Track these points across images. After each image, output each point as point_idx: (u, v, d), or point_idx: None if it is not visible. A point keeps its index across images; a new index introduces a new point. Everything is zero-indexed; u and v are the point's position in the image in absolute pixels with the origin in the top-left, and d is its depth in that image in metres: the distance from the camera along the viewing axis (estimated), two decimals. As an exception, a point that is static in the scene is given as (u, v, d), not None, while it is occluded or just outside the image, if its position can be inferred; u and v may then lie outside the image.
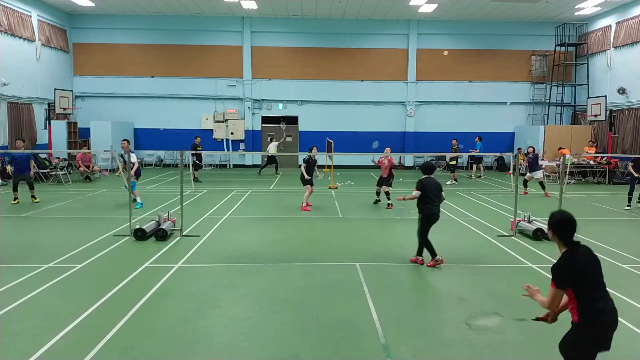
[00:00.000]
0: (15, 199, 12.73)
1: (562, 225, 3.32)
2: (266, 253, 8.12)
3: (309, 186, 12.24)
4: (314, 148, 12.59)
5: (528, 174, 15.25)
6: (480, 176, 20.52)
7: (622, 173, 18.57)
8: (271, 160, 20.67)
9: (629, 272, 7.31)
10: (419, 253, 7.53)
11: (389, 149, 12.77)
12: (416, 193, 7.31)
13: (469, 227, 10.40)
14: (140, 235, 8.80)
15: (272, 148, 20.14)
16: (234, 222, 10.72)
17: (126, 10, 22.15)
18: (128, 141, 13.11)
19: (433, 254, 7.36)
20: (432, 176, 7.48)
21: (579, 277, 3.22)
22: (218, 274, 7.02)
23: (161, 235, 8.85)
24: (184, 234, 9.26)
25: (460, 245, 8.89)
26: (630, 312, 5.69)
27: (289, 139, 24.30)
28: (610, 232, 10.23)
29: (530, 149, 15.87)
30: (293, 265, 7.46)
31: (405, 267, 7.45)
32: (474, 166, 20.67)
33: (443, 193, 7.48)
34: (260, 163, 22.68)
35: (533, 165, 15.30)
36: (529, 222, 9.65)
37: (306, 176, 12.12)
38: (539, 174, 15.37)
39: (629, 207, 12.73)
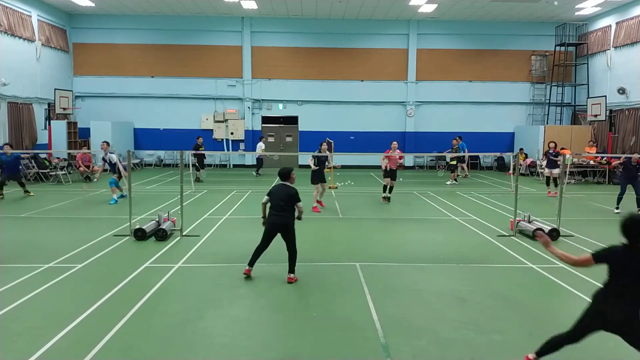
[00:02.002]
0: (1, 195, 13.33)
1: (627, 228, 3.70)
2: (266, 253, 8.10)
3: (318, 185, 12.12)
4: (324, 143, 12.48)
5: (547, 170, 15.29)
6: (466, 175, 20.45)
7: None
8: (259, 160, 20.77)
9: (629, 272, 7.30)
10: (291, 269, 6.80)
11: (395, 143, 13.54)
12: (265, 199, 6.82)
13: (469, 227, 10.40)
14: (140, 235, 8.80)
15: (258, 148, 20.22)
16: (234, 222, 10.72)
17: (126, 10, 22.16)
18: (108, 143, 13.37)
19: (250, 262, 6.82)
20: (286, 184, 6.79)
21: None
22: (218, 274, 7.02)
23: (161, 235, 8.85)
24: (184, 234, 9.26)
25: (460, 245, 8.89)
26: (630, 312, 5.68)
27: (288, 139, 24.33)
28: (610, 232, 10.20)
29: (552, 144, 15.56)
30: (293, 265, 7.45)
31: (405, 267, 7.45)
32: (460, 166, 20.50)
33: (299, 204, 6.69)
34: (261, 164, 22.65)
35: (553, 162, 14.99)
36: (529, 222, 9.66)
37: (313, 167, 11.97)
38: (556, 171, 14.88)
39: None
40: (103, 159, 13.41)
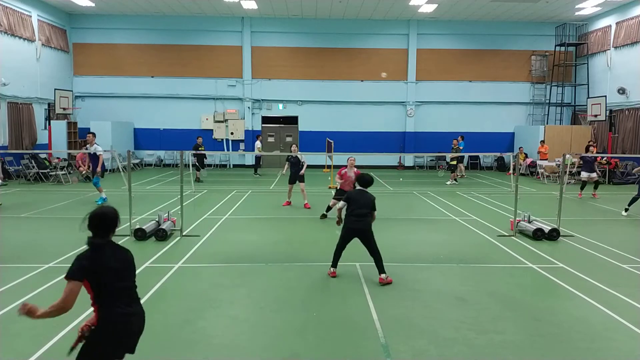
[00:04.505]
0: None
1: (91, 220, 3.27)
2: (266, 253, 8.13)
3: (292, 185, 12.66)
4: (294, 145, 12.92)
5: (585, 174, 14.69)
6: (462, 175, 20.43)
7: (622, 173, 18.57)
8: (257, 159, 20.91)
9: (629, 272, 7.31)
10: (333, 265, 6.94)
11: (353, 159, 10.65)
12: (341, 204, 6.97)
13: (469, 227, 10.39)
14: (140, 235, 8.80)
15: (255, 148, 20.23)
16: (234, 222, 10.72)
17: (126, 10, 22.16)
18: (93, 134, 13.05)
19: (333, 263, 6.90)
20: (366, 190, 6.81)
21: (101, 276, 3.12)
22: (218, 274, 7.02)
23: (161, 235, 8.85)
24: (184, 234, 9.26)
25: (460, 245, 8.89)
26: (630, 312, 5.69)
27: (288, 139, 24.34)
28: (610, 232, 10.23)
29: (593, 148, 15.03)
30: (293, 265, 7.46)
31: (405, 267, 7.44)
32: (460, 166, 20.55)
33: (375, 213, 6.75)
34: (260, 163, 22.59)
35: (591, 164, 14.63)
36: (529, 222, 9.66)
37: (283, 172, 13.01)
38: (594, 175, 14.67)
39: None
40: (88, 152, 12.94)
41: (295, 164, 12.46)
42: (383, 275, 6.61)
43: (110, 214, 3.30)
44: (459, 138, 19.89)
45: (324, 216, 11.10)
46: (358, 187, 6.97)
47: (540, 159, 20.36)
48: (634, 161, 17.74)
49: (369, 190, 6.92)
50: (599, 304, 5.88)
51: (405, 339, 4.95)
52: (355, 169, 10.42)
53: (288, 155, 12.72)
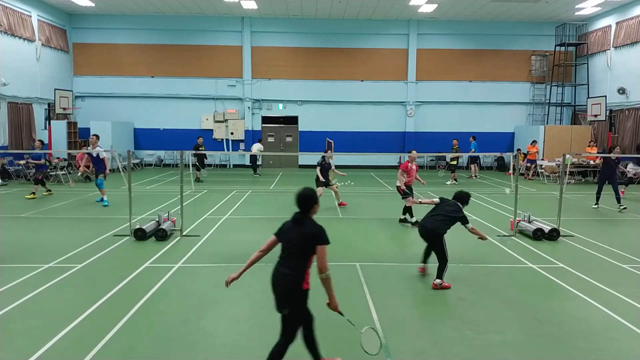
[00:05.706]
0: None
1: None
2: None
3: (319, 188, 12.29)
4: (329, 151, 12.93)
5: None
6: (475, 175, 20.48)
7: (622, 173, 18.54)
8: (254, 159, 21.02)
9: (629, 272, 7.31)
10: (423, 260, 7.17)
11: (414, 151, 10.94)
12: (436, 200, 7.13)
13: (469, 227, 10.37)
14: (140, 235, 8.80)
15: (254, 148, 20.16)
16: (234, 222, 10.72)
17: (126, 10, 22.16)
18: (97, 136, 13.04)
19: (423, 260, 7.12)
20: (457, 204, 6.92)
21: (282, 238, 4.21)
22: (218, 274, 7.01)
23: (161, 235, 8.85)
24: (184, 234, 9.26)
25: (460, 245, 8.87)
26: (630, 312, 5.69)
27: (288, 139, 24.35)
28: (610, 232, 10.23)
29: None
30: (293, 265, 7.44)
31: (405, 267, 7.44)
32: (472, 166, 20.69)
33: (469, 225, 6.77)
34: (259, 163, 22.62)
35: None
36: (529, 222, 9.66)
37: (321, 178, 12.46)
38: None
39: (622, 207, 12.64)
40: (89, 154, 12.86)
41: (326, 170, 12.64)
42: (436, 281, 6.48)
43: (301, 195, 4.04)
44: (471, 138, 19.84)
45: (404, 220, 10.73)
46: (453, 199, 7.01)
47: (528, 159, 20.38)
48: (632, 161, 17.82)
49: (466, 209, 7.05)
50: (599, 304, 5.88)
51: (405, 339, 4.95)
52: (415, 164, 11.08)
53: (320, 162, 12.53)
